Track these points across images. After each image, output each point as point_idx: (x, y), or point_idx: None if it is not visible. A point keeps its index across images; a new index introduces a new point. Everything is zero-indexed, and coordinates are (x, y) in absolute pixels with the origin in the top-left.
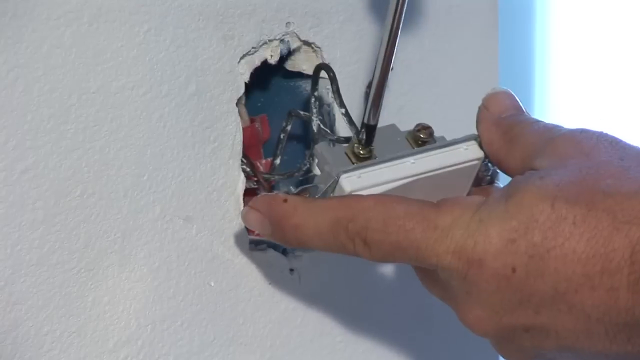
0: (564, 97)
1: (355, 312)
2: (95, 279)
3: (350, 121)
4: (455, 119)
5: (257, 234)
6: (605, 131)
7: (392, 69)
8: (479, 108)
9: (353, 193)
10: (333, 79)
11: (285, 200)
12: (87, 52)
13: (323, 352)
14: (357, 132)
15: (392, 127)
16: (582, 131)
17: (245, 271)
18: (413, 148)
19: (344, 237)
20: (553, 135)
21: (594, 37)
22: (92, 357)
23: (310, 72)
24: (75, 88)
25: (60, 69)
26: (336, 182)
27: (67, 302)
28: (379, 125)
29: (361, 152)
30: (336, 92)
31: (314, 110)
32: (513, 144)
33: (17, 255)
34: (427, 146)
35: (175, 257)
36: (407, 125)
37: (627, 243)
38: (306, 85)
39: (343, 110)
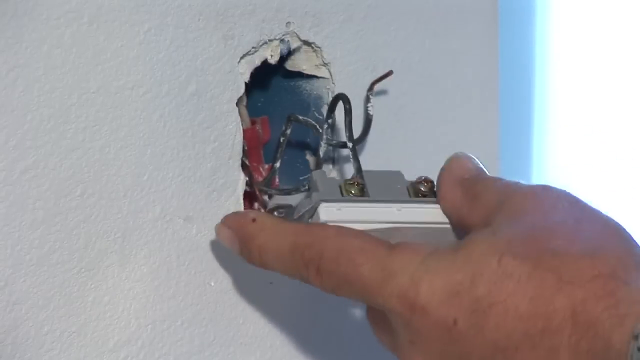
0: (564, 97)
1: (356, 312)
2: (95, 279)
3: (355, 156)
4: (455, 119)
5: None
6: (567, 190)
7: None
8: (440, 172)
9: (328, 224)
10: (348, 112)
11: (254, 220)
12: (87, 52)
13: (323, 352)
14: (359, 169)
15: (397, 174)
16: (544, 188)
17: (245, 271)
18: (409, 197)
19: (300, 262)
20: (513, 191)
21: (595, 36)
22: (92, 357)
23: (310, 72)
24: (75, 88)
25: (60, 69)
26: (315, 209)
27: (67, 302)
28: (385, 169)
29: (353, 191)
30: (348, 125)
31: (324, 137)
32: (475, 201)
33: (17, 255)
34: (421, 199)
35: (175, 257)
36: (406, 126)
37: (568, 303)
38: (306, 85)
39: (350, 145)
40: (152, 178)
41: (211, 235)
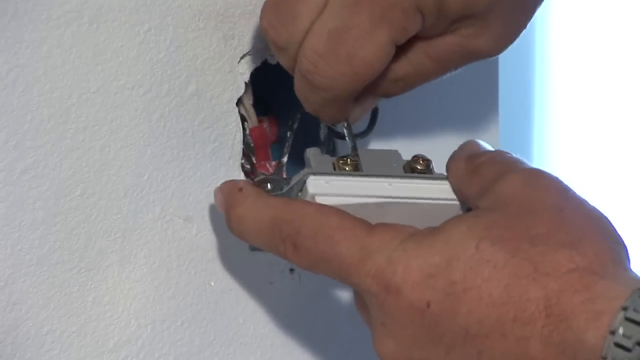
0: (564, 97)
1: (356, 312)
2: (95, 279)
3: (350, 134)
4: (455, 118)
5: None
6: (559, 178)
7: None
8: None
9: (317, 197)
10: None
11: (240, 189)
12: (87, 52)
13: (324, 352)
14: (354, 147)
15: (394, 153)
16: (535, 174)
17: (245, 271)
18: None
19: (278, 237)
20: (508, 171)
21: (595, 36)
22: (92, 357)
23: None
24: (75, 88)
25: (60, 69)
26: (303, 182)
27: (67, 302)
28: (382, 148)
29: (346, 167)
30: None
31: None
32: (474, 174)
33: (17, 255)
34: (414, 174)
35: (175, 257)
36: (405, 125)
37: (542, 295)
38: None
39: (345, 124)
40: (152, 178)
41: (211, 235)
